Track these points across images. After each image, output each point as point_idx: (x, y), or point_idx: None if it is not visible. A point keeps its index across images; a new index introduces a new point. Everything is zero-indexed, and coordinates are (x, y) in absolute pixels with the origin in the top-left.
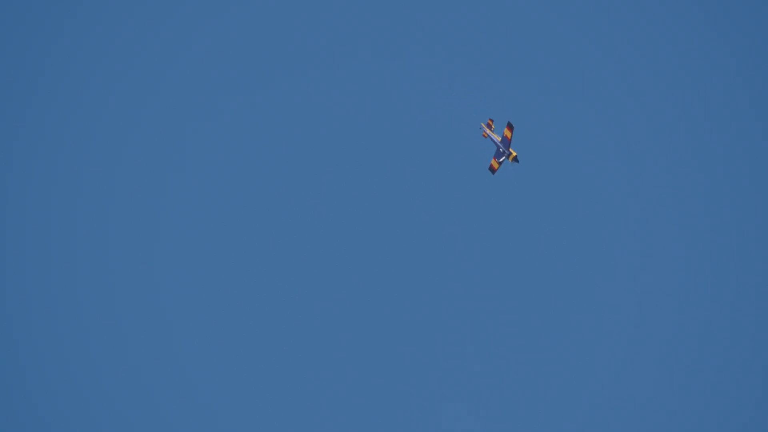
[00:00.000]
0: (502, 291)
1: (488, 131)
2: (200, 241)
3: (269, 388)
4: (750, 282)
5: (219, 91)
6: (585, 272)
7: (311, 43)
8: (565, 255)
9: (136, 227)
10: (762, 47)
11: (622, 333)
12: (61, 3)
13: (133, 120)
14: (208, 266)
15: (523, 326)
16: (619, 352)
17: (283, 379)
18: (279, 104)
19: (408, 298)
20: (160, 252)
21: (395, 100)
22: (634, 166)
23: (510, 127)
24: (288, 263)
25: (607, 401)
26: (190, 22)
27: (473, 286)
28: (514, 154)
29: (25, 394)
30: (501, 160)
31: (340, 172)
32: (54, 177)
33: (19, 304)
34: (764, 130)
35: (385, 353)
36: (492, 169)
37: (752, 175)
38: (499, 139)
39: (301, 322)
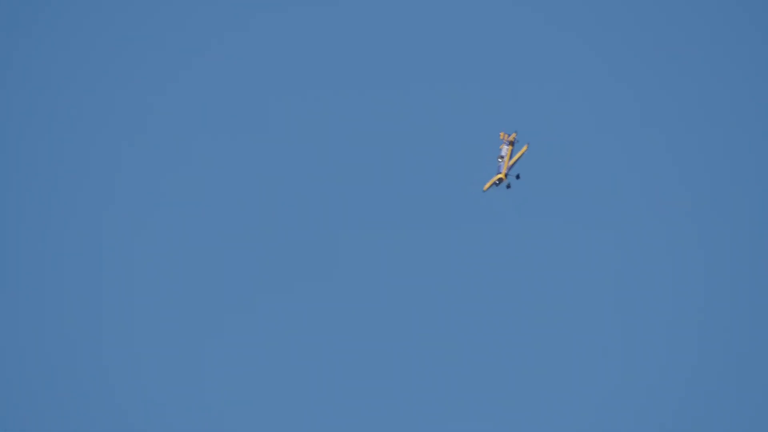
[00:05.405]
0: (500, 299)
1: (506, 145)
2: (198, 243)
3: (268, 389)
4: (752, 285)
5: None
6: (583, 281)
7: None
8: (563, 265)
9: (134, 230)
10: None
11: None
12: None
13: (134, 126)
14: (206, 269)
15: (522, 335)
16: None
17: (282, 381)
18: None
19: (408, 306)
20: (159, 253)
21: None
22: (635, 172)
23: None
24: (285, 265)
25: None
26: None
27: (472, 292)
28: (499, 176)
29: (26, 394)
30: (496, 179)
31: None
32: (53, 178)
33: (18, 304)
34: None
35: (385, 358)
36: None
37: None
38: (504, 155)
39: (299, 324)
